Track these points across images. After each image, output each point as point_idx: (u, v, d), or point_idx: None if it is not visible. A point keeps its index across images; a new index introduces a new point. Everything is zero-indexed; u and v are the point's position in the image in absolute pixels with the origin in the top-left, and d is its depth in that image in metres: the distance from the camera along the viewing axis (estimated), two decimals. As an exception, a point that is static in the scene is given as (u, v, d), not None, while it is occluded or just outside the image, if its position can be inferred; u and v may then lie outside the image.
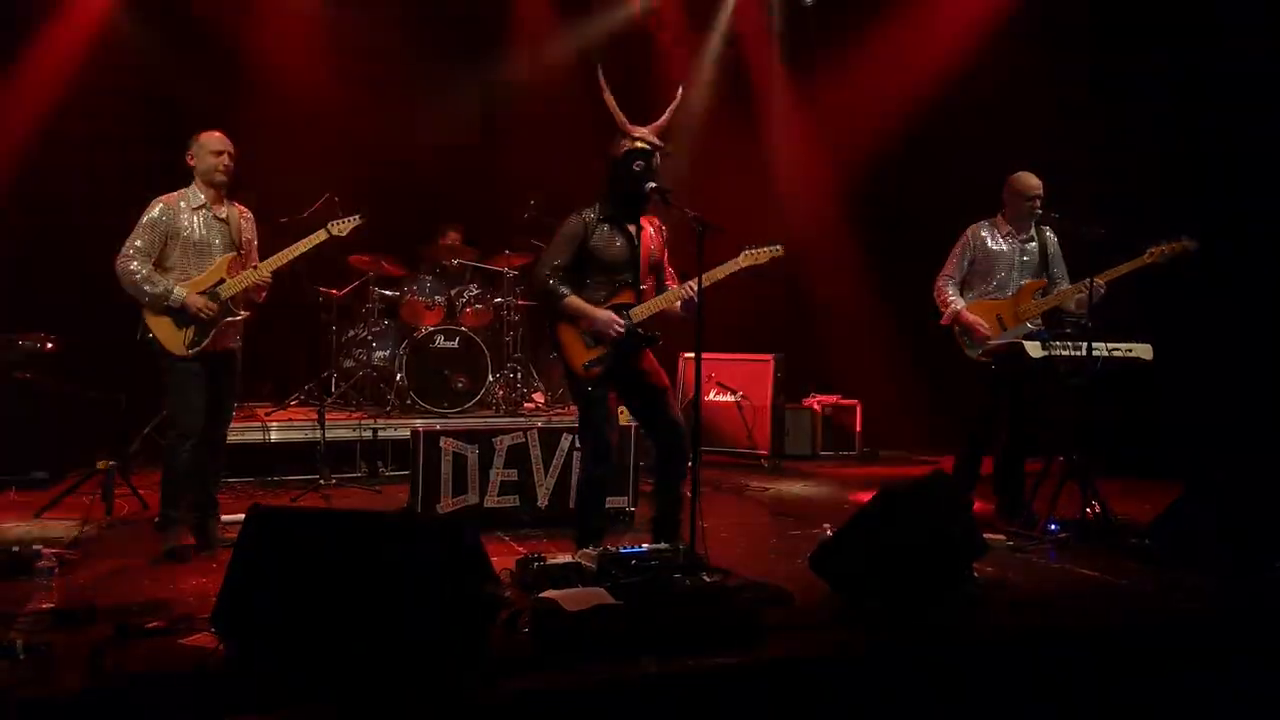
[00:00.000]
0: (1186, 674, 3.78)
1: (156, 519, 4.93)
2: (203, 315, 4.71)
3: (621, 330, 4.41)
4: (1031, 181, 5.57)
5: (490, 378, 7.69)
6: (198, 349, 4.74)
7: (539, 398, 8.29)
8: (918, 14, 9.03)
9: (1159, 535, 4.81)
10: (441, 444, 5.32)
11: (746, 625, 3.48)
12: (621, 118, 4.57)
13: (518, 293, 8.18)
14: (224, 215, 4.91)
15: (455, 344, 7.59)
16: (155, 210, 4.76)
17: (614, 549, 4.15)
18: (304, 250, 4.96)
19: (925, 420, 9.03)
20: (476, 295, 8.00)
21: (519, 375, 8.12)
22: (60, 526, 5.20)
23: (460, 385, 7.56)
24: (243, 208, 5.07)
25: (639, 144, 4.47)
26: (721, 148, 9.91)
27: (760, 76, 10.31)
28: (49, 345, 6.74)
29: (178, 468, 4.77)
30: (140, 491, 5.84)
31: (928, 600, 3.87)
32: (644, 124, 4.56)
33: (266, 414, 7.26)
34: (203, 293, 4.74)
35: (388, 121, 8.48)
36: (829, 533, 4.59)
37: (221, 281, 4.80)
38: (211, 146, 4.83)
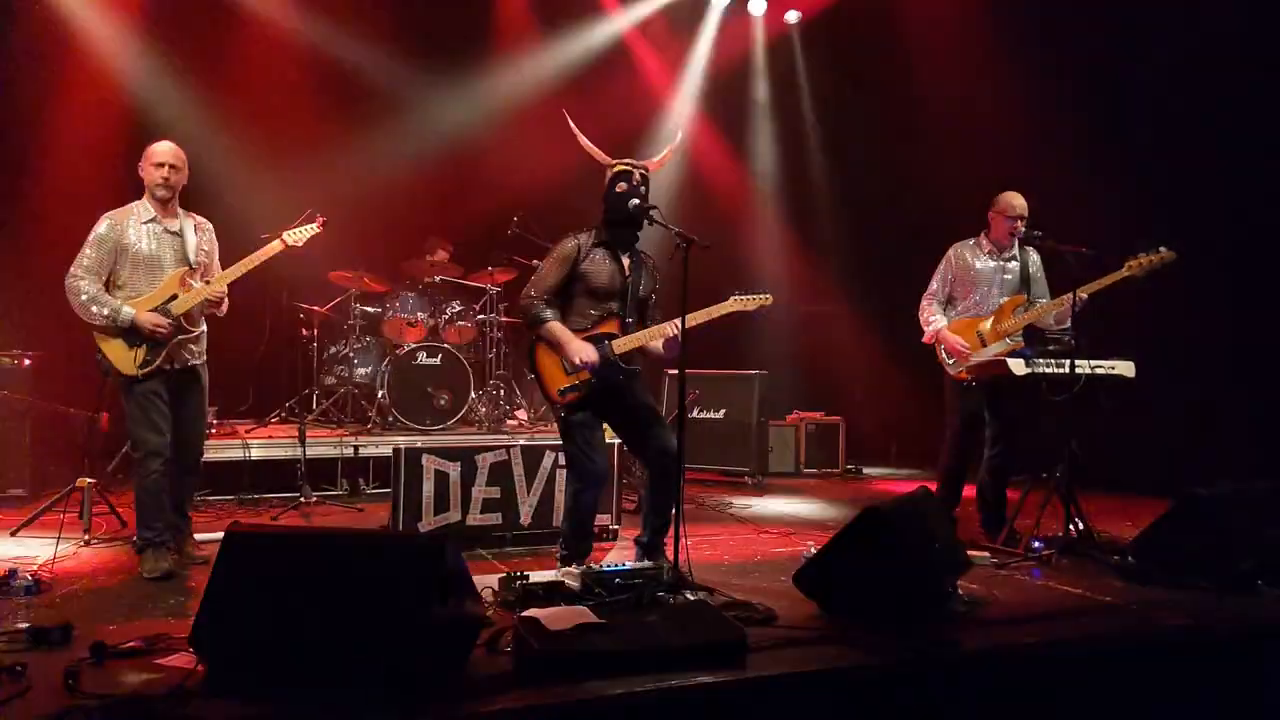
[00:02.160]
0: (1171, 691, 3.79)
1: (135, 540, 4.85)
2: (157, 334, 4.58)
3: (593, 362, 4.38)
4: (1016, 201, 5.60)
5: (473, 395, 7.67)
6: (149, 369, 4.59)
7: (521, 415, 8.27)
8: (901, 33, 9.12)
9: (1142, 553, 4.82)
10: (423, 461, 5.29)
11: (731, 643, 3.46)
12: (600, 155, 4.62)
13: (500, 310, 8.17)
14: (176, 228, 4.76)
15: (438, 361, 7.57)
16: (102, 226, 4.64)
17: (598, 567, 4.13)
18: (259, 262, 4.81)
19: (908, 438, 9.08)
20: (459, 312, 7.99)
21: (501, 392, 8.11)
22: (37, 544, 5.13)
23: (443, 402, 7.54)
24: (200, 219, 4.93)
25: (619, 167, 4.51)
26: (705, 165, 9.98)
27: (742, 93, 10.37)
28: (27, 361, 6.68)
29: (149, 488, 4.64)
30: (119, 510, 5.77)
31: (912, 618, 3.86)
32: (618, 145, 4.64)
33: (247, 431, 7.21)
34: (155, 310, 4.61)
35: (370, 138, 8.48)
36: (813, 550, 4.59)
37: (174, 297, 4.66)
38: (154, 158, 4.71)
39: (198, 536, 5.11)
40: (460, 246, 8.42)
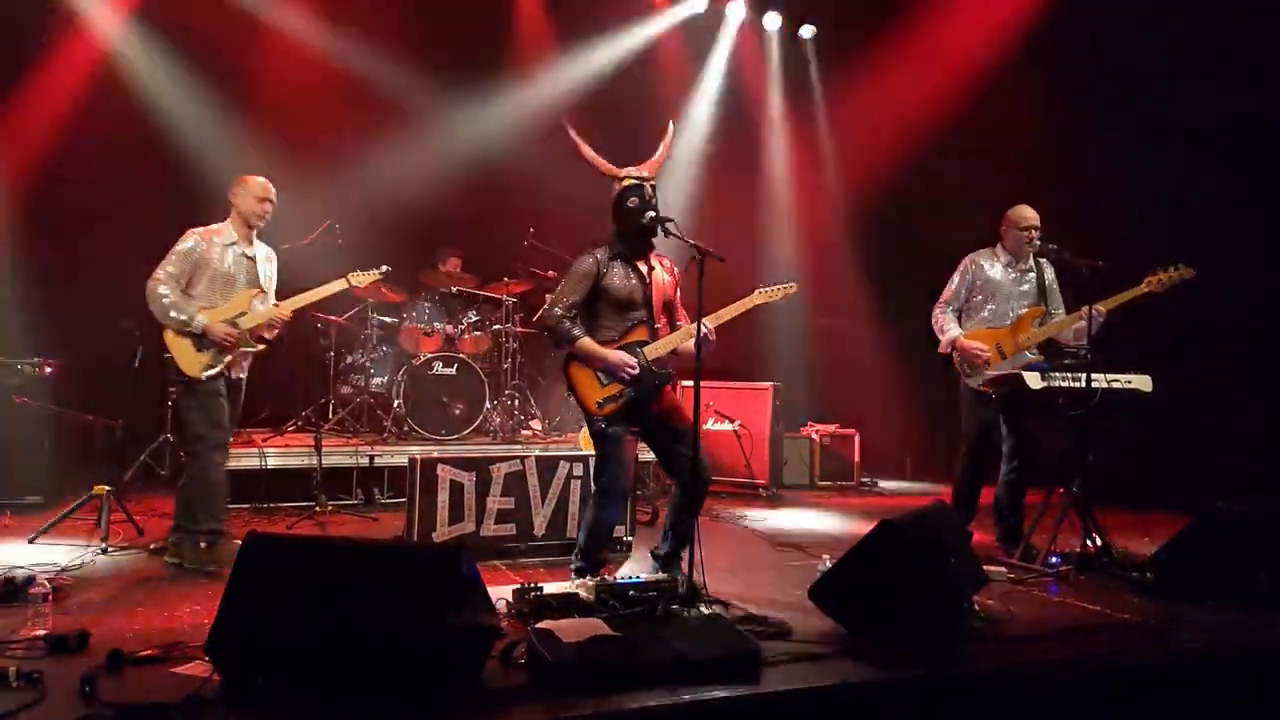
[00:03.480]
0: (1190, 710, 3.75)
1: (169, 540, 5.06)
2: (226, 342, 5.00)
3: (635, 370, 4.41)
4: (1027, 213, 5.59)
5: (488, 405, 7.68)
6: (212, 372, 5.01)
7: (536, 425, 8.28)
8: (917, 47, 9.13)
9: (1161, 569, 4.79)
10: (439, 471, 5.30)
11: (746, 657, 3.45)
12: (604, 165, 4.62)
13: (516, 320, 8.19)
14: (252, 254, 5.21)
15: (453, 371, 7.59)
16: (190, 241, 5.05)
17: (612, 579, 4.13)
18: (324, 297, 5.38)
19: (923, 451, 9.04)
20: (475, 322, 8.01)
21: (516, 403, 8.12)
22: (55, 551, 5.16)
23: (458, 412, 7.55)
24: (269, 249, 5.35)
25: (628, 180, 4.51)
26: (722, 178, 10.00)
27: (759, 107, 10.42)
28: (47, 369, 6.73)
29: (210, 479, 5.01)
30: (136, 517, 5.80)
31: (929, 633, 3.84)
32: (637, 159, 4.61)
33: (263, 440, 7.23)
34: (225, 321, 5.03)
35: (388, 150, 8.52)
36: (828, 564, 4.56)
37: (243, 314, 5.09)
38: (256, 192, 5.14)
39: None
40: (476, 257, 8.45)
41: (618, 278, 4.49)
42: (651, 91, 9.73)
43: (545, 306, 4.56)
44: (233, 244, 5.13)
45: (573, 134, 4.71)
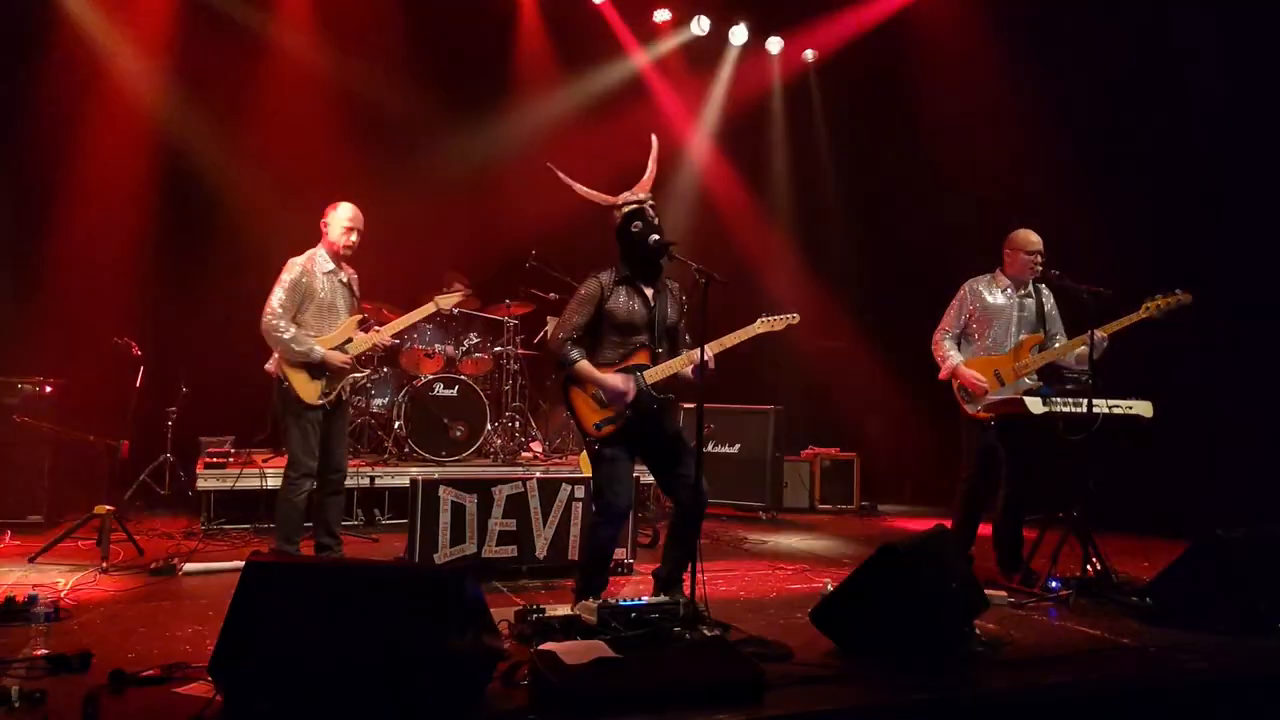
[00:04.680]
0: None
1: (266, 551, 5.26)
2: (342, 370, 5.22)
3: (628, 397, 4.43)
4: (1032, 238, 5.61)
5: (489, 427, 7.69)
6: (328, 399, 5.22)
7: (537, 447, 8.29)
8: (920, 70, 9.20)
9: (1160, 594, 4.79)
10: (440, 493, 5.30)
11: (747, 680, 3.45)
12: (599, 197, 4.65)
13: (518, 342, 8.21)
14: (345, 280, 5.40)
15: (454, 392, 7.60)
16: (295, 271, 5.20)
17: (614, 601, 4.12)
18: (416, 320, 5.85)
19: (923, 475, 9.04)
20: (476, 344, 8.03)
21: (517, 424, 8.13)
22: (56, 571, 5.17)
23: (459, 434, 7.56)
24: (353, 272, 5.50)
25: (628, 207, 4.54)
26: (722, 201, 10.05)
27: (759, 129, 10.46)
28: (48, 388, 6.74)
29: (298, 504, 5.19)
30: (137, 537, 5.80)
31: (930, 657, 3.84)
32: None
33: (264, 460, 7.23)
34: (334, 349, 5.22)
35: (391, 171, 8.56)
36: (830, 588, 4.57)
37: (350, 340, 5.29)
38: (344, 221, 5.28)
39: (218, 565, 5.18)
40: (478, 279, 8.47)
41: (621, 301, 4.51)
42: (653, 115, 9.78)
43: (552, 331, 4.59)
44: (330, 271, 5.29)
45: (561, 176, 4.75)
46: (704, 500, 4.47)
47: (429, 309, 5.77)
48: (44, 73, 7.66)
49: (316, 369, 5.16)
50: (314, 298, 5.21)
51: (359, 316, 5.40)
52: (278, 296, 5.14)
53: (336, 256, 5.33)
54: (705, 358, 4.35)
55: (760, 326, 4.67)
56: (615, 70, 9.67)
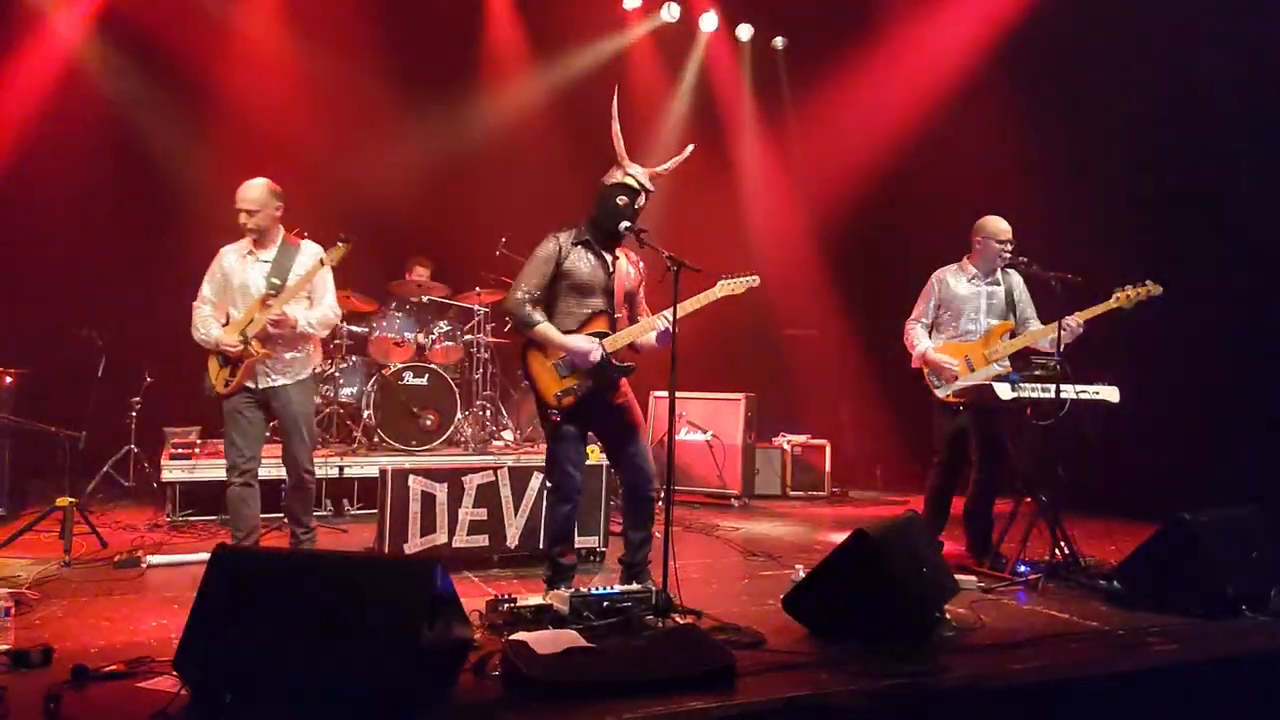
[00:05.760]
0: (1157, 716, 3.79)
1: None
2: (228, 354, 4.91)
3: (597, 357, 4.38)
4: (1001, 226, 5.64)
5: (459, 415, 7.64)
6: (229, 387, 4.94)
7: (508, 436, 8.25)
8: (889, 58, 9.21)
9: (1128, 577, 4.84)
10: (410, 483, 5.26)
11: (719, 667, 3.45)
12: (621, 150, 4.57)
13: (488, 330, 8.16)
14: (268, 257, 5.02)
15: (424, 381, 7.54)
16: (216, 258, 5.05)
17: (586, 590, 4.12)
18: (304, 285, 4.98)
19: (894, 461, 9.08)
20: (446, 332, 7.97)
21: (488, 413, 8.09)
22: (17, 565, 5.07)
23: (429, 423, 7.51)
24: (315, 247, 5.12)
25: (630, 180, 4.48)
26: (694, 187, 9.99)
27: (732, 115, 10.46)
28: (8, 379, 6.62)
29: (230, 499, 5.03)
30: (99, 530, 5.71)
31: (901, 641, 3.86)
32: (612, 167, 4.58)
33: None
34: (237, 333, 4.92)
35: (358, 157, 8.46)
36: (801, 573, 4.58)
37: (251, 321, 4.95)
38: (236, 203, 4.97)
39: (184, 558, 5.11)
40: (447, 267, 8.40)
41: (580, 262, 4.46)
42: (623, 102, 9.72)
43: (508, 293, 4.52)
44: (248, 253, 5.02)
45: (615, 106, 4.62)
46: (649, 485, 4.48)
47: (315, 269, 4.98)
48: (9, 65, 7.50)
49: (222, 355, 4.95)
50: (230, 281, 4.99)
51: (264, 295, 4.94)
52: (204, 284, 5.04)
53: (251, 236, 5.02)
54: (666, 325, 4.31)
55: (720, 290, 4.55)
56: (585, 55, 9.60)
